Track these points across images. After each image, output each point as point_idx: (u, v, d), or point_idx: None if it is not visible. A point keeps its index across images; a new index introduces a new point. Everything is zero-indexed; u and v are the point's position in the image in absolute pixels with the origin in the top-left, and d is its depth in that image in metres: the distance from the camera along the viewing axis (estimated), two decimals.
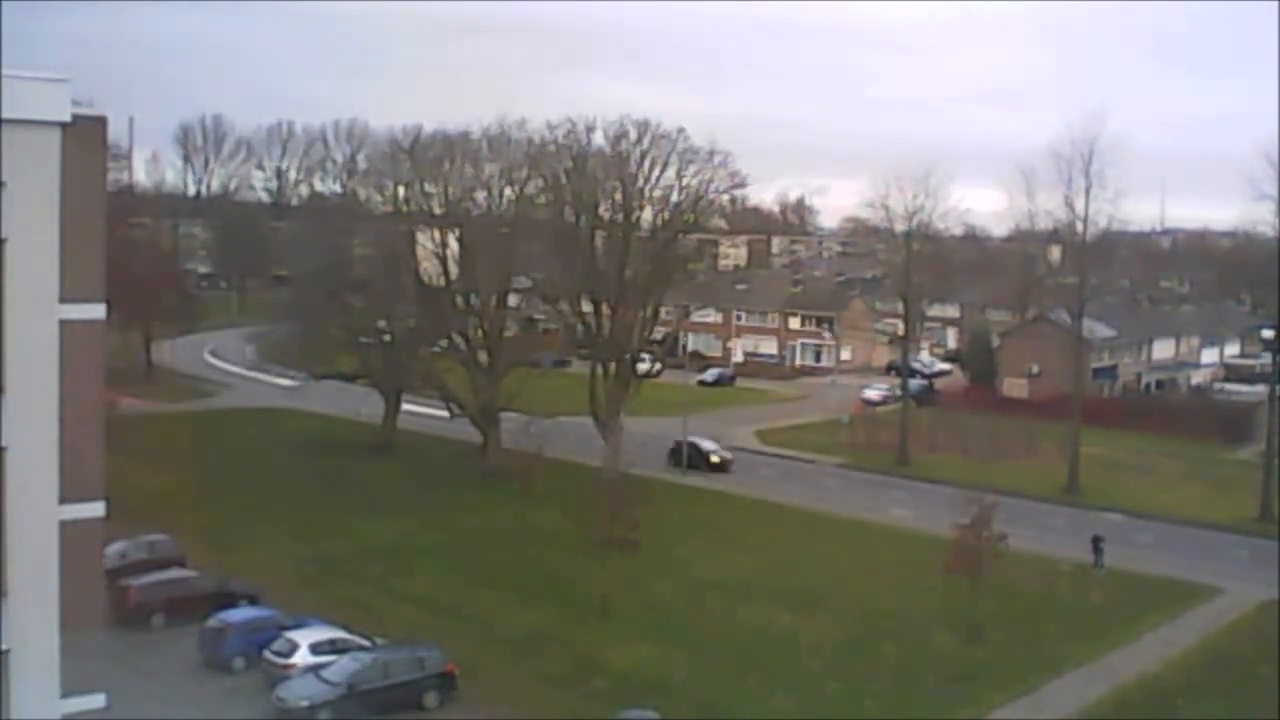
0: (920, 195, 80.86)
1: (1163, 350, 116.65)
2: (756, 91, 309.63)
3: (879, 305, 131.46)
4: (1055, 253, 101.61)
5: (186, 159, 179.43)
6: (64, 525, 19.31)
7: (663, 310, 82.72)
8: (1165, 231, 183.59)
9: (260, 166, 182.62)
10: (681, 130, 72.78)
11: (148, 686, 37.48)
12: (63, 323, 19.03)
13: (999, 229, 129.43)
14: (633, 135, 72.12)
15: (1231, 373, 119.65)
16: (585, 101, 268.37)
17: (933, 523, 58.70)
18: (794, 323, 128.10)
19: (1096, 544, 56.72)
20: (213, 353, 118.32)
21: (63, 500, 19.29)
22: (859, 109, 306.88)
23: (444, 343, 77.73)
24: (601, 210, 75.15)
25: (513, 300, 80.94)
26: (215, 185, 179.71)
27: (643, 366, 78.27)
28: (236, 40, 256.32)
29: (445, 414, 78.35)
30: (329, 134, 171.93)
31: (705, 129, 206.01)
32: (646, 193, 73.89)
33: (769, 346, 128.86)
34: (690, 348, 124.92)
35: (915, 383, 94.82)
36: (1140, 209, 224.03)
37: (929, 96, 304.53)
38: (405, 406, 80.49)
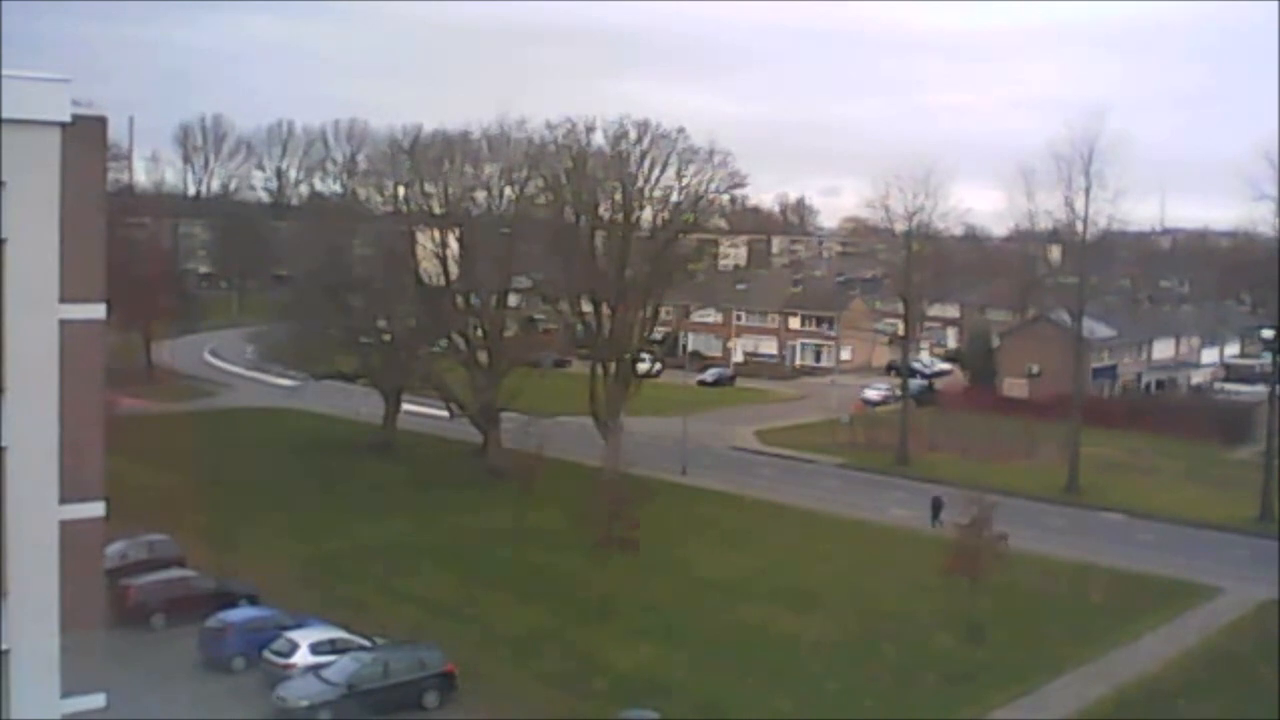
0: (920, 195, 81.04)
1: (1163, 350, 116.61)
2: (800, 95, 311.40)
3: (879, 305, 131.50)
4: (1055, 253, 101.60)
5: (186, 159, 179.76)
6: (64, 525, 19.33)
7: (663, 310, 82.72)
8: (1165, 231, 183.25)
9: (260, 166, 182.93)
10: (681, 130, 73.03)
11: (148, 686, 37.45)
12: (63, 323, 19.05)
13: (999, 229, 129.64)
14: (632, 135, 72.23)
15: (1231, 373, 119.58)
16: (625, 104, 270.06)
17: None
18: (794, 323, 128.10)
19: (936, 505, 61.87)
20: (213, 353, 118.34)
21: (63, 500, 19.31)
22: (906, 113, 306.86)
23: (444, 343, 77.74)
24: (601, 210, 75.17)
25: (513, 300, 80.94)
26: (215, 185, 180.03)
27: (643, 366, 78.31)
28: (293, 41, 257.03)
29: (445, 414, 78.40)
30: (329, 134, 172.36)
31: (742, 131, 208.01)
32: (646, 193, 73.94)
33: (769, 346, 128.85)
34: (690, 348, 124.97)
35: (915, 383, 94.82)
36: (1140, 209, 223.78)
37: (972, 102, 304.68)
38: (405, 406, 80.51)
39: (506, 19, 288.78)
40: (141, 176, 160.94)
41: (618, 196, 73.68)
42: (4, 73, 17.90)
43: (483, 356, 74.83)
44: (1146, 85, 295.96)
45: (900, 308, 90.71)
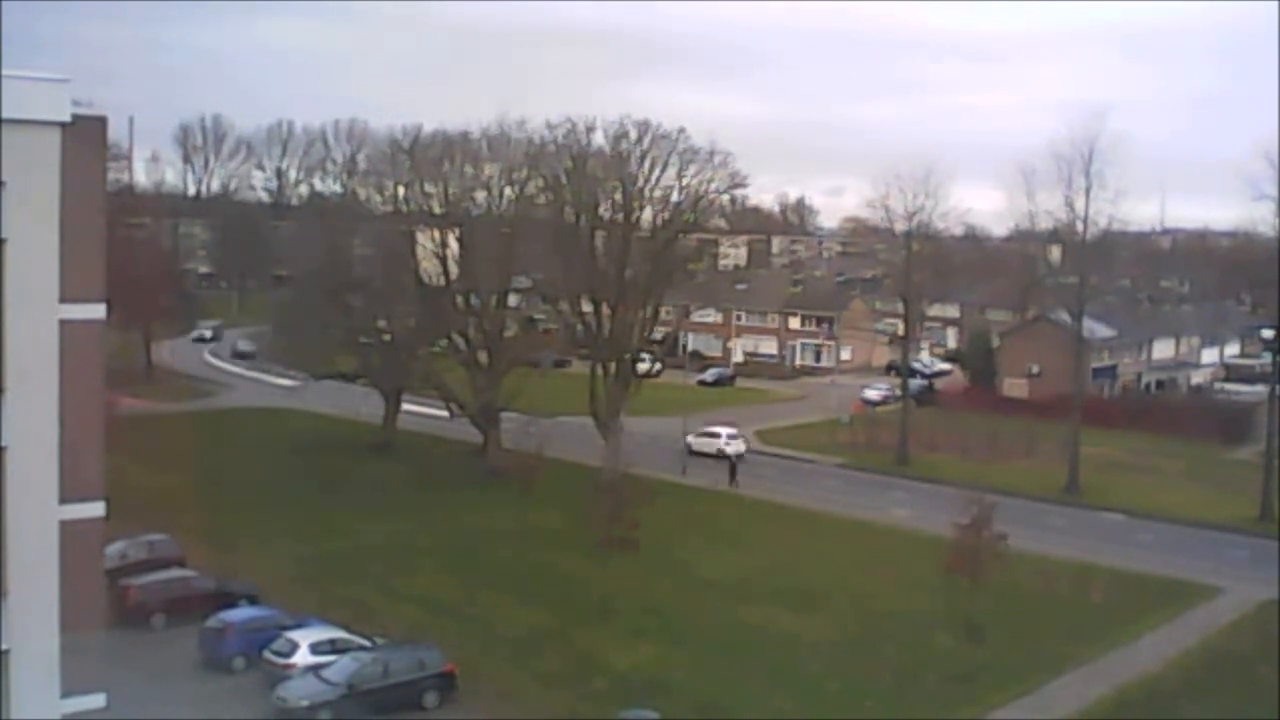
0: (920, 195, 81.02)
1: (1163, 350, 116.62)
2: (810, 95, 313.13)
3: (879, 305, 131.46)
4: (1055, 253, 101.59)
5: (186, 159, 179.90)
6: (64, 525, 19.32)
7: (663, 310, 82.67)
8: (1165, 231, 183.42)
9: (260, 166, 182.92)
10: (682, 130, 72.89)
11: (148, 686, 37.44)
12: (63, 323, 19.04)
13: (999, 229, 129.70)
14: (633, 135, 72.12)
15: (1231, 373, 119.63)
16: (639, 106, 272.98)
17: (933, 523, 58.70)
18: (794, 323, 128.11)
19: (732, 465, 71.18)
20: (213, 353, 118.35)
21: (63, 500, 19.30)
22: (914, 113, 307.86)
23: (444, 343, 77.72)
24: (601, 210, 75.09)
25: (513, 300, 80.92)
26: (215, 185, 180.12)
27: (643, 366, 78.26)
28: (310, 43, 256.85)
29: (445, 414, 78.39)
30: (329, 134, 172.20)
31: (752, 131, 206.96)
32: (646, 193, 73.84)
33: (769, 346, 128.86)
34: (690, 348, 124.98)
35: (915, 383, 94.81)
36: (1140, 209, 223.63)
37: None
38: (405, 406, 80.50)
39: (515, 20, 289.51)
40: (141, 176, 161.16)
41: (618, 196, 73.60)
42: (4, 73, 17.90)
43: (483, 356, 74.82)
44: (1147, 85, 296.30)
45: (900, 308, 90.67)
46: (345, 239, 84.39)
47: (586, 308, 74.17)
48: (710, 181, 74.52)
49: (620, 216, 73.61)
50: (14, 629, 18.96)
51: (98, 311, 19.52)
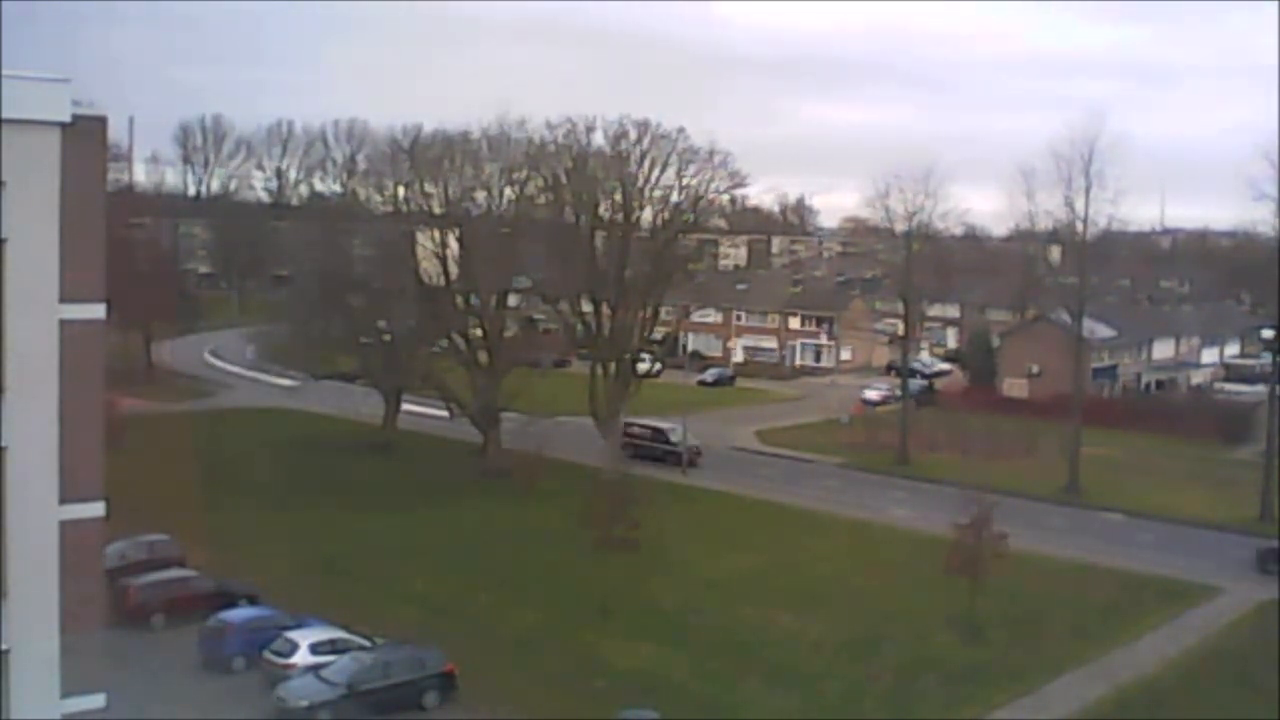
0: (920, 195, 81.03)
1: (1163, 350, 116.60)
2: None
3: (879, 305, 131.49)
4: (1055, 253, 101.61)
5: (186, 159, 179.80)
6: (64, 525, 19.33)
7: (663, 310, 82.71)
8: (1165, 231, 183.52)
9: (260, 166, 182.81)
10: (681, 130, 73.11)
11: (147, 686, 37.43)
12: (63, 323, 19.05)
13: (999, 229, 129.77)
14: (633, 135, 72.30)
15: (1231, 373, 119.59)
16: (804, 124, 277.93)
17: (933, 522, 58.67)
18: (794, 323, 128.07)
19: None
20: (213, 353, 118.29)
21: (63, 500, 19.31)
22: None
23: (444, 343, 77.74)
24: (601, 210, 75.18)
25: (513, 300, 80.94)
26: (215, 185, 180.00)
27: (643, 366, 78.27)
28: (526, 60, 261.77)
29: (445, 414, 78.40)
30: (329, 134, 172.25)
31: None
32: (646, 193, 73.98)
33: (769, 346, 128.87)
34: (690, 348, 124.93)
35: (915, 383, 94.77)
36: (1140, 209, 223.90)
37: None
38: (405, 406, 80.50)
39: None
40: (141, 176, 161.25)
41: (618, 196, 73.71)
42: (4, 73, 17.90)
43: (483, 356, 74.83)
44: (1146, 84, 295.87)
45: (900, 308, 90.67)
46: (345, 239, 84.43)
47: (586, 308, 74.23)
48: (710, 181, 74.70)
49: (620, 216, 73.70)
50: (14, 629, 18.97)
51: (98, 311, 19.54)
